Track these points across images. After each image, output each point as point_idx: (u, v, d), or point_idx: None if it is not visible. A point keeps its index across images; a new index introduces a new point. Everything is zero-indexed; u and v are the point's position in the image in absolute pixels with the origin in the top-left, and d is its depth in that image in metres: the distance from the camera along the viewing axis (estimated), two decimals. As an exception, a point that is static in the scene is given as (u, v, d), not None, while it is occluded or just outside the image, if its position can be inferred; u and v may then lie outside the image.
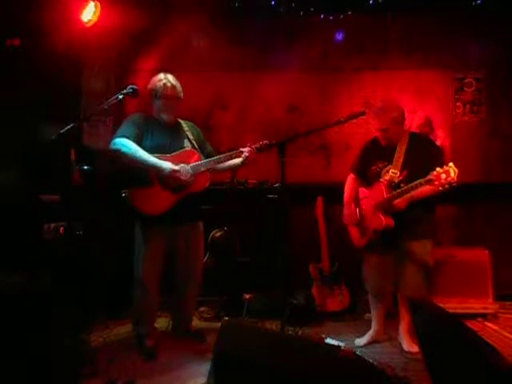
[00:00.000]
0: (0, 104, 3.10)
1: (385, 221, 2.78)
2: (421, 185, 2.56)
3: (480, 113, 4.23)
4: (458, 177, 2.43)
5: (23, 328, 2.24)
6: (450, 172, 2.40)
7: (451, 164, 2.43)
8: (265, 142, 2.87)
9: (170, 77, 2.91)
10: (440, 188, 2.44)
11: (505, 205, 4.12)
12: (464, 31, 4.15)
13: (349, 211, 3.08)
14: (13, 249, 2.69)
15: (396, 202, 2.73)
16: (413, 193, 2.70)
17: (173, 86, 2.88)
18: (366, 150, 3.13)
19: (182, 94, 2.94)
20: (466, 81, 4.22)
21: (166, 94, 2.86)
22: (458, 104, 4.24)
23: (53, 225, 2.83)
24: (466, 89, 4.23)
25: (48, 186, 3.06)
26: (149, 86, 2.90)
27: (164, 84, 2.86)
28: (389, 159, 2.91)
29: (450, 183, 2.40)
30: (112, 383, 2.45)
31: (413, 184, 2.62)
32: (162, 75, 2.90)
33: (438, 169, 2.44)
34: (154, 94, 2.88)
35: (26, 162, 3.16)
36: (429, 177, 2.48)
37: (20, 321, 2.24)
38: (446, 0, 3.96)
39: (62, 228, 2.83)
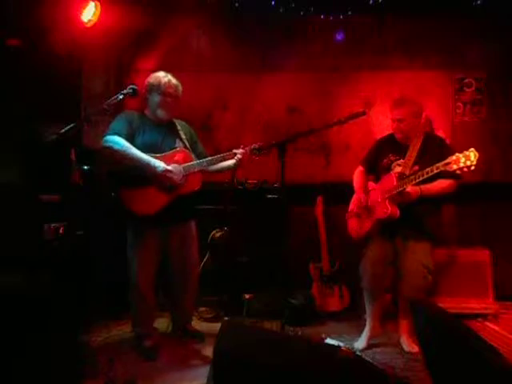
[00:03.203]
0: (0, 104, 3.10)
1: (390, 209, 2.76)
2: (437, 169, 2.53)
3: (480, 113, 4.23)
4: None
5: (23, 328, 2.24)
6: (470, 156, 2.39)
7: (472, 149, 2.42)
8: (259, 144, 2.86)
9: (171, 76, 2.91)
10: (458, 172, 2.43)
11: (505, 205, 4.13)
12: (464, 31, 4.16)
13: (360, 196, 3.05)
14: (13, 249, 2.69)
15: (408, 189, 2.68)
16: (423, 187, 2.69)
17: (175, 85, 2.88)
18: (379, 143, 3.14)
19: (181, 95, 2.94)
20: (466, 81, 4.23)
21: (169, 92, 2.85)
22: (458, 104, 4.24)
23: (53, 225, 2.83)
24: (465, 89, 4.23)
25: (48, 185, 3.06)
26: (150, 81, 2.87)
27: (168, 81, 2.85)
28: (401, 154, 2.91)
29: (469, 167, 2.39)
30: (112, 383, 2.45)
31: (428, 169, 2.59)
32: (163, 73, 2.90)
33: (457, 154, 2.44)
34: (156, 89, 2.84)
35: (26, 162, 3.16)
36: (447, 160, 2.46)
37: (20, 321, 2.24)
38: (446, 0, 3.96)
39: (61, 228, 2.83)
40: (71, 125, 2.48)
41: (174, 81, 2.88)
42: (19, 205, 2.89)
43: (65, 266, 2.73)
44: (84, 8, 3.48)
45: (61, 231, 2.83)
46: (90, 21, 3.52)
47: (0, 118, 3.11)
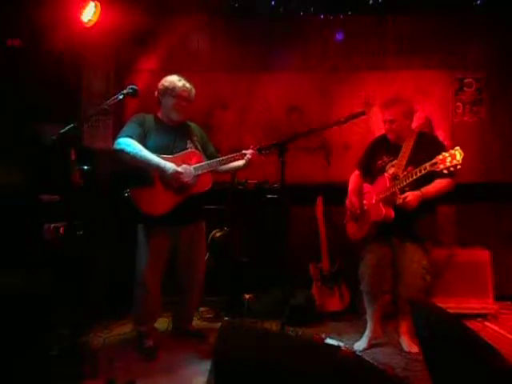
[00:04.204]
0: (0, 104, 3.10)
1: (385, 211, 2.77)
2: (425, 169, 2.54)
3: (480, 113, 4.23)
4: (458, 174, 2.43)
5: (23, 328, 2.25)
6: (455, 155, 2.40)
7: (458, 147, 2.43)
8: (264, 143, 2.88)
9: (185, 79, 2.94)
10: (445, 171, 2.44)
11: (505, 205, 4.13)
12: (464, 31, 4.16)
13: (352, 199, 3.06)
14: (13, 249, 2.69)
15: (408, 199, 2.69)
16: (423, 190, 2.70)
17: (190, 89, 2.93)
18: (373, 145, 3.14)
19: (194, 98, 2.97)
20: (466, 81, 4.22)
21: (183, 95, 2.89)
22: (457, 104, 4.24)
23: (53, 225, 2.83)
24: (465, 89, 4.23)
25: (48, 185, 3.07)
26: (165, 84, 2.90)
27: (183, 84, 2.89)
28: (395, 155, 2.91)
29: (455, 166, 2.40)
30: (112, 383, 2.45)
31: (417, 169, 2.60)
32: (177, 76, 2.93)
33: (443, 153, 2.45)
34: (170, 92, 2.88)
35: (26, 162, 3.16)
36: (434, 160, 2.48)
37: (20, 321, 2.24)
38: (446, 0, 3.96)
39: (61, 228, 2.83)
40: (71, 125, 2.48)
41: (188, 85, 2.92)
42: (19, 205, 2.90)
43: (65, 266, 2.73)
44: (84, 8, 3.48)
45: (61, 231, 2.83)
46: (89, 21, 3.53)
47: (0, 118, 3.11)
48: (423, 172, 2.56)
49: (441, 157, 2.45)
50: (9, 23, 3.20)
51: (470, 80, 4.22)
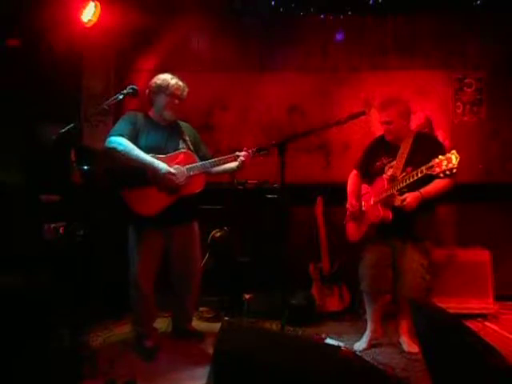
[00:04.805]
0: (0, 104, 3.10)
1: (382, 213, 2.77)
2: (421, 172, 2.55)
3: (480, 113, 4.23)
4: (458, 174, 2.43)
5: (23, 328, 2.24)
6: (451, 158, 2.41)
7: (454, 151, 2.43)
8: (261, 147, 2.88)
9: (177, 78, 2.91)
10: (441, 175, 2.45)
11: (505, 205, 4.12)
12: (464, 31, 4.16)
13: (351, 200, 3.06)
14: (13, 249, 2.69)
15: (407, 200, 2.69)
16: (423, 190, 2.70)
17: (183, 88, 2.90)
18: (372, 146, 3.14)
19: (186, 97, 2.95)
20: (466, 81, 4.23)
21: (177, 94, 2.87)
22: (457, 104, 4.24)
23: (53, 225, 2.83)
24: (465, 89, 4.23)
25: (48, 185, 3.06)
26: (157, 82, 2.87)
27: (176, 83, 2.86)
28: (394, 155, 2.91)
29: (450, 169, 2.40)
30: (112, 383, 2.45)
31: (414, 172, 2.61)
32: (169, 75, 2.90)
33: (440, 156, 2.46)
34: (164, 90, 2.84)
35: (26, 162, 3.16)
36: (430, 163, 2.48)
37: (20, 321, 2.24)
38: (446, 0, 3.97)
39: (61, 228, 2.83)
40: (71, 125, 2.48)
41: (180, 82, 2.90)
42: (20, 205, 2.90)
43: (65, 266, 2.73)
44: (84, 8, 3.48)
45: (61, 231, 2.83)
46: (89, 21, 3.53)
47: (0, 119, 3.11)
48: (420, 175, 2.57)
49: (437, 160, 2.45)
50: (9, 23, 3.20)
51: (470, 80, 4.22)
